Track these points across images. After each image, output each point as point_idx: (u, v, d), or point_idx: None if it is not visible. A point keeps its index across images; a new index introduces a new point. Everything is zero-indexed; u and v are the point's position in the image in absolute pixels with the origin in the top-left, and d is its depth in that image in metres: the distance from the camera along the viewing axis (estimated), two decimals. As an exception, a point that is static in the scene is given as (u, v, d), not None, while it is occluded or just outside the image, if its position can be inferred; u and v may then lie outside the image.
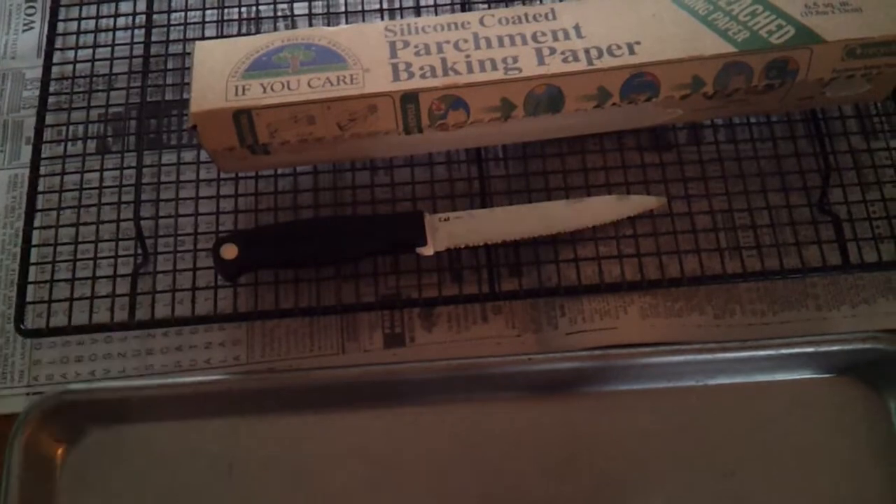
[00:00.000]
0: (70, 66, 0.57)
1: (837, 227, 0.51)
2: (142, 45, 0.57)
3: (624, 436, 0.48)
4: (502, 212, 0.51)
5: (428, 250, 0.49)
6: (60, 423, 0.47)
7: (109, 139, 0.56)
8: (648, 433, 0.48)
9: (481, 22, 0.49)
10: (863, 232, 0.51)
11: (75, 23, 0.58)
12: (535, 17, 0.49)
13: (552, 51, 0.47)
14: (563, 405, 0.48)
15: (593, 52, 0.47)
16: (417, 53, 0.47)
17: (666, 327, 0.50)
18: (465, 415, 0.48)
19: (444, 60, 0.47)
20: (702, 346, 0.48)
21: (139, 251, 0.51)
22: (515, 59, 0.47)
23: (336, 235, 0.49)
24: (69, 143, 0.55)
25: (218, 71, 0.47)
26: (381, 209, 0.52)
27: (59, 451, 0.48)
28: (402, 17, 0.58)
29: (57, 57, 0.57)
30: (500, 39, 0.48)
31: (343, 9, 0.58)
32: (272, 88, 0.46)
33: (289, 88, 0.46)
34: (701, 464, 0.47)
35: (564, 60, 0.47)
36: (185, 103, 0.55)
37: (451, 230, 0.50)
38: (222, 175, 0.53)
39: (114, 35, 0.58)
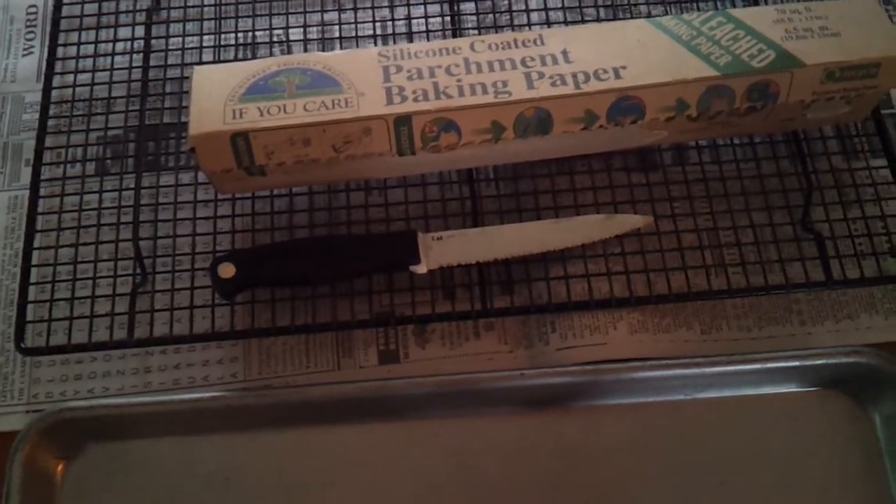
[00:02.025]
0: (69, 90, 0.58)
1: (820, 244, 0.52)
2: (140, 70, 0.58)
3: (614, 449, 0.49)
4: (493, 231, 0.52)
5: (421, 268, 0.50)
6: (60, 440, 0.48)
7: (108, 161, 0.57)
8: (638, 446, 0.49)
9: (472, 48, 0.50)
10: (845, 249, 0.52)
11: (74, 47, 0.59)
12: (524, 43, 0.50)
13: (541, 75, 0.48)
14: (555, 419, 0.49)
15: (580, 77, 0.48)
16: (410, 78, 0.49)
17: (654, 342, 0.51)
18: (458, 430, 0.49)
19: (436, 84, 0.48)
20: (690, 361, 0.49)
21: (138, 271, 0.52)
22: (505, 84, 0.48)
23: (331, 254, 0.50)
24: (68, 166, 0.56)
25: (216, 95, 0.48)
26: (375, 229, 0.53)
27: (59, 468, 0.48)
28: (395, 42, 0.60)
29: (56, 81, 0.58)
30: (491, 64, 0.49)
31: (338, 34, 0.59)
32: (269, 112, 0.47)
33: (285, 112, 0.47)
34: (690, 476, 0.48)
35: (553, 84, 0.48)
36: (182, 126, 0.56)
37: (443, 249, 0.51)
38: (219, 196, 0.54)
39: (112, 59, 0.59)
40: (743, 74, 0.48)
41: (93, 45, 0.59)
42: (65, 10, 0.61)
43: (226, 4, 0.60)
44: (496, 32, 0.59)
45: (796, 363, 0.48)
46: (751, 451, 0.48)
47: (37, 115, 0.57)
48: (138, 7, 0.61)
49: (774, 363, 0.48)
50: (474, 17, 0.60)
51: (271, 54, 0.59)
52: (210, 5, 0.61)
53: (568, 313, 0.51)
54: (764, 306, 0.52)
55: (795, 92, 0.49)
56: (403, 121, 0.48)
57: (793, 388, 0.50)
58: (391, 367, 0.51)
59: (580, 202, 0.54)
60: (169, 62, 0.59)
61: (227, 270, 0.48)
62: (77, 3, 0.61)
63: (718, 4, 0.60)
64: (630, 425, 0.49)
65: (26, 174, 0.56)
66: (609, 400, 0.49)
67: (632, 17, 0.60)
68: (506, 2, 0.61)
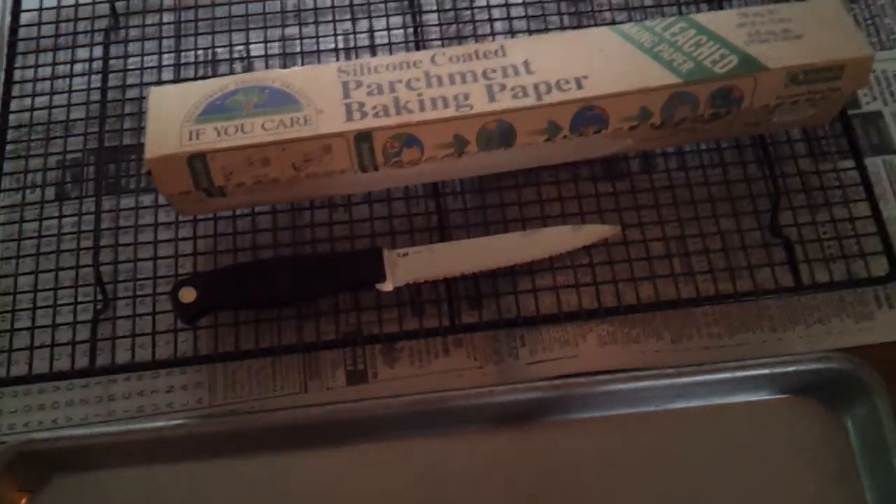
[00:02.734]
0: (27, 114, 0.57)
1: (789, 249, 0.52)
2: (99, 91, 0.57)
3: (586, 463, 0.48)
4: (460, 245, 0.51)
5: (388, 286, 0.49)
6: (24, 473, 0.47)
7: (68, 185, 0.56)
8: (611, 459, 0.48)
9: (433, 60, 0.49)
10: (814, 253, 0.52)
11: (31, 70, 0.58)
12: (485, 55, 0.50)
13: (502, 87, 0.48)
14: (526, 435, 0.49)
15: (542, 88, 0.48)
16: (370, 93, 0.48)
17: (624, 353, 0.51)
18: (430, 449, 0.48)
19: (396, 99, 0.48)
20: (659, 372, 0.48)
21: (99, 297, 0.51)
22: (467, 97, 0.48)
23: (295, 275, 0.50)
24: (27, 191, 0.55)
25: (172, 116, 0.47)
26: (340, 246, 0.53)
27: (23, 501, 0.47)
28: (357, 56, 0.59)
29: (14, 105, 0.57)
30: (452, 77, 0.49)
31: (299, 49, 0.58)
32: (226, 132, 0.46)
33: (243, 131, 0.46)
34: (663, 487, 0.47)
35: (514, 96, 0.48)
36: (142, 147, 0.54)
37: (410, 265, 0.50)
38: (181, 218, 0.53)
39: (70, 81, 0.58)
40: (706, 80, 0.48)
41: (50, 67, 0.58)
42: (21, 32, 0.60)
43: (185, 22, 0.60)
44: (459, 43, 0.58)
45: (766, 371, 0.48)
46: (723, 461, 0.48)
47: (-6, 140, 0.56)
48: (96, 27, 0.59)
49: (744, 371, 0.48)
50: (437, 28, 0.59)
51: (232, 70, 0.59)
52: (169, 23, 0.60)
53: (537, 327, 0.51)
54: (734, 313, 0.52)
55: (759, 96, 0.49)
56: (364, 137, 0.47)
57: (764, 396, 0.49)
58: (360, 388, 0.51)
59: (547, 213, 0.53)
60: (128, 82, 0.58)
61: (187, 295, 0.48)
62: (34, 25, 0.60)
63: (683, 9, 0.60)
64: (602, 438, 0.48)
65: (-15, 201, 0.55)
66: (580, 413, 0.49)
67: (596, 25, 0.59)
68: (468, 12, 0.60)
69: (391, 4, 0.60)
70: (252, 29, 0.59)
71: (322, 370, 0.51)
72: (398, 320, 0.51)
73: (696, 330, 0.52)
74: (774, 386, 0.49)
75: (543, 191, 0.54)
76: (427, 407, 0.48)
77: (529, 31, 0.59)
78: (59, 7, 0.60)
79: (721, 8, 0.59)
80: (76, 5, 0.60)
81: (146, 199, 0.54)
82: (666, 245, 0.52)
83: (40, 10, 0.60)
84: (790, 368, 0.48)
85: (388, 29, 0.59)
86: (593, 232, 0.52)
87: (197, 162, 0.46)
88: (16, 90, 0.58)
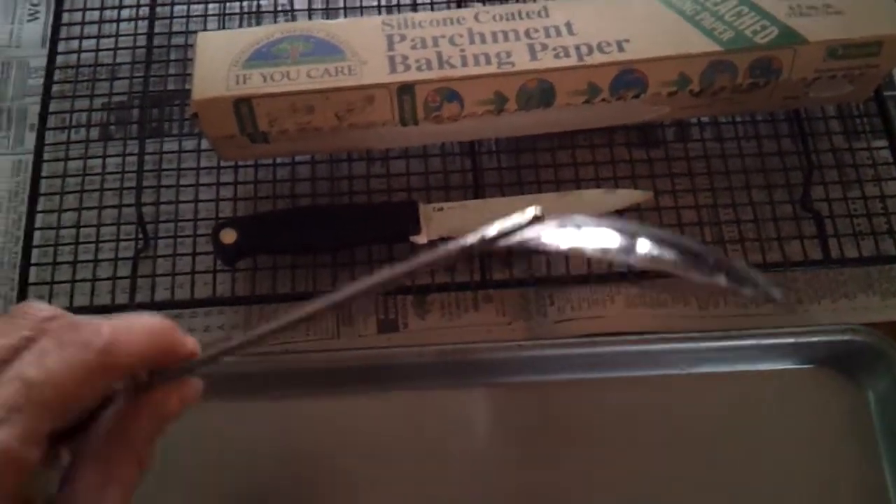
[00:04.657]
0: (74, 56, 0.58)
1: (819, 223, 0.52)
2: (145, 37, 0.58)
3: (609, 421, 0.49)
4: (495, 202, 0.52)
5: (422, 239, 0.50)
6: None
7: (112, 127, 0.57)
8: (633, 419, 0.49)
9: (476, 18, 0.50)
10: (844, 228, 0.52)
11: (80, 13, 0.59)
12: (528, 15, 0.50)
13: (544, 47, 0.49)
14: (551, 391, 0.49)
15: (584, 49, 0.48)
16: (414, 47, 0.49)
17: (651, 317, 0.51)
18: (456, 400, 0.49)
19: (439, 54, 0.48)
20: (685, 335, 0.49)
21: (140, 236, 0.52)
22: (509, 54, 0.48)
23: (333, 223, 0.51)
24: (72, 131, 0.56)
25: (220, 60, 0.48)
26: (376, 199, 0.53)
27: (59, 429, 0.49)
28: (399, 13, 0.59)
29: (61, 47, 0.58)
30: (494, 35, 0.49)
31: (342, 4, 0.59)
32: (272, 78, 0.47)
33: (288, 78, 0.47)
34: (683, 449, 0.48)
35: (556, 56, 0.48)
36: (186, 93, 0.56)
37: (444, 219, 0.51)
38: (222, 163, 0.54)
39: (118, 26, 0.59)
40: (746, 50, 0.48)
41: (98, 11, 0.60)
42: (71, -24, 0.61)
43: (231, -27, 0.60)
44: (501, 3, 0.59)
45: (792, 340, 0.49)
46: (745, 427, 0.49)
47: (41, 80, 0.57)
48: (144, -26, 0.61)
49: (770, 339, 0.49)
50: (479, -10, 0.60)
51: (275, 22, 0.59)
52: (216, -27, 0.61)
53: (566, 286, 0.52)
54: (762, 283, 0.53)
55: (798, 69, 0.49)
56: (406, 89, 0.48)
57: (788, 365, 0.50)
58: (390, 337, 0.51)
59: (581, 176, 0.54)
60: (173, 30, 0.59)
61: (228, 236, 0.49)
62: (83, -30, 0.61)
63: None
64: (625, 398, 0.49)
65: (30, 139, 0.56)
66: (605, 373, 0.49)
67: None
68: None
69: (435, -36, 0.60)
70: (297, -18, 0.60)
71: (354, 318, 0.52)
72: (430, 273, 0.52)
73: (723, 297, 0.52)
74: (799, 355, 0.50)
75: (578, 154, 0.54)
76: (456, 358, 0.49)
77: (571, -3, 0.59)
78: (108, -47, 0.61)
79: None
80: (125, -49, 0.61)
81: (189, 144, 0.55)
82: (698, 213, 0.53)
83: (90, -45, 0.61)
84: (815, 339, 0.49)
85: (432, -12, 0.60)
86: (626, 196, 0.52)
87: (243, 106, 0.47)
88: (63, 32, 0.59)
